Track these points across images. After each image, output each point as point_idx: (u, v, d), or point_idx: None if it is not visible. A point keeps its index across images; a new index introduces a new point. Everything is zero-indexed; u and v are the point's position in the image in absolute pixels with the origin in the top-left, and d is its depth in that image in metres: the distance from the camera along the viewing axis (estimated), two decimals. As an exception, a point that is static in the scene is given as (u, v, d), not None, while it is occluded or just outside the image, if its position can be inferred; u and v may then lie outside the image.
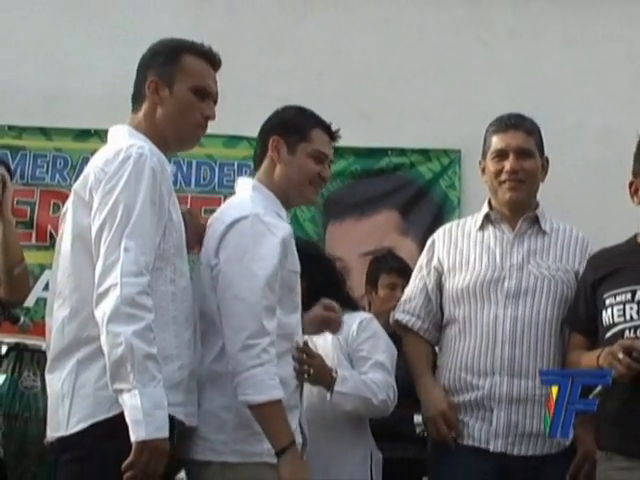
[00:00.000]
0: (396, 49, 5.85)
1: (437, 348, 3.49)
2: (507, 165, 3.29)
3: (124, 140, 2.67)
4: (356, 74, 5.75)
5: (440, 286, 3.43)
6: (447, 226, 3.53)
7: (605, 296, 3.11)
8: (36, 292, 5.18)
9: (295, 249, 2.90)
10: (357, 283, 4.77)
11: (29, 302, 5.06)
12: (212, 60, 2.82)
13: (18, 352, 4.52)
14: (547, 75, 5.82)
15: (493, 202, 3.44)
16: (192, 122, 2.77)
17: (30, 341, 4.53)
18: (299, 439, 2.81)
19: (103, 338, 2.46)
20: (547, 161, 3.43)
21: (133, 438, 2.43)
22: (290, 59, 5.75)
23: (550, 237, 3.38)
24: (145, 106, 2.76)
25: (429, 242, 3.50)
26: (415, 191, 5.76)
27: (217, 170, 5.67)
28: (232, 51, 5.64)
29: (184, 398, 2.65)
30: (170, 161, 5.95)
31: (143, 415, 2.42)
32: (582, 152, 5.68)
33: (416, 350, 3.45)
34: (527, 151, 3.34)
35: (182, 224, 2.73)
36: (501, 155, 3.34)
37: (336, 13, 5.90)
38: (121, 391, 2.45)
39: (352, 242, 5.65)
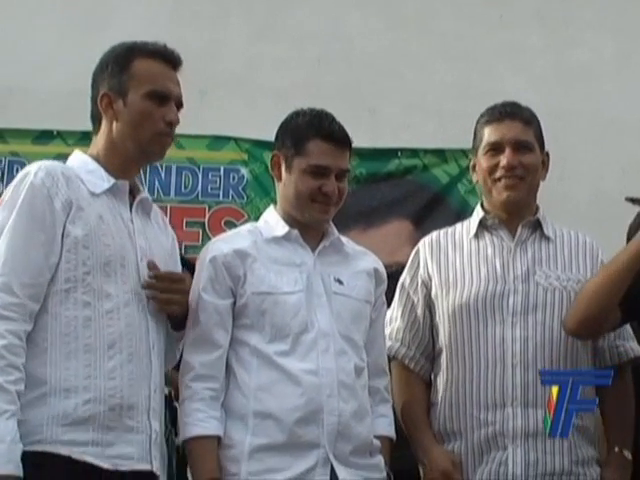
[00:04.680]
0: (405, 33, 5.62)
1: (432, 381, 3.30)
2: (503, 160, 3.16)
3: None
4: (359, 63, 5.56)
5: (430, 305, 3.25)
6: (433, 235, 3.34)
7: None
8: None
9: (257, 267, 2.90)
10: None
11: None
12: (168, 59, 2.80)
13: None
14: (580, 63, 5.60)
15: (487, 205, 3.28)
16: (152, 131, 2.77)
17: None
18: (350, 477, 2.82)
19: None
20: (548, 157, 3.28)
21: None
22: (282, 46, 5.55)
23: (555, 243, 3.24)
24: (102, 124, 2.79)
25: (412, 254, 3.32)
26: (429, 198, 5.48)
27: (200, 176, 5.39)
28: (216, 39, 5.65)
29: (97, 437, 2.60)
30: (146, 168, 5.38)
31: None
32: (622, 150, 5.42)
33: (406, 391, 3.24)
34: (525, 143, 3.19)
35: (107, 239, 2.68)
36: (495, 149, 3.19)
37: (334, -8, 5.69)
38: None
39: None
